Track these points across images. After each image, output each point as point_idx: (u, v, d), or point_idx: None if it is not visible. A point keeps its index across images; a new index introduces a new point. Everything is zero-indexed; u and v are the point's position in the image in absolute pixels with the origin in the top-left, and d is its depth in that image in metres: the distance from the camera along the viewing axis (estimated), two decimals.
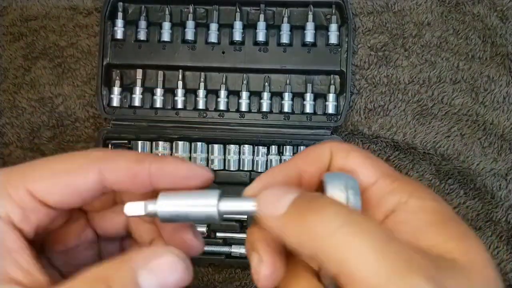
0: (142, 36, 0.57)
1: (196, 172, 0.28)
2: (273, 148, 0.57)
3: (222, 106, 0.57)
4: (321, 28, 0.57)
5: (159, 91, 0.57)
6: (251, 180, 0.57)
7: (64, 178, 0.26)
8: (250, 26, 0.57)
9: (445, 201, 0.26)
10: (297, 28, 0.57)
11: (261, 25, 0.57)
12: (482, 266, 0.23)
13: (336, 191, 0.25)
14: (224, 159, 0.57)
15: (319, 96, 0.57)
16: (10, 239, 0.24)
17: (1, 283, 0.22)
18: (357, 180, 0.26)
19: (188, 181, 0.27)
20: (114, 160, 0.26)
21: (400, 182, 0.26)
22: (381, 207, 0.26)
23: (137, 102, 0.57)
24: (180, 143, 0.57)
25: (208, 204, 0.26)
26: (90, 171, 0.26)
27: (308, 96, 0.57)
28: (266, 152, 0.57)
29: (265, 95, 0.57)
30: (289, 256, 0.26)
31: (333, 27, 0.56)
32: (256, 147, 0.57)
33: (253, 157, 0.57)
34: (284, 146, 0.57)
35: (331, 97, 0.56)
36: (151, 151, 0.57)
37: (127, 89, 0.58)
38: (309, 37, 0.56)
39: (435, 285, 0.20)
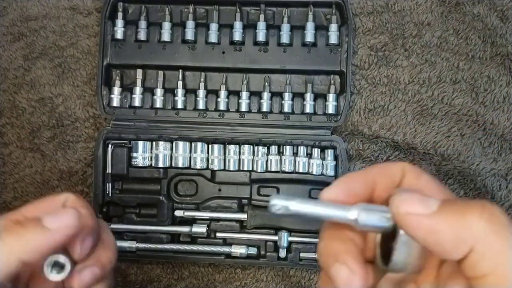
0: (142, 36, 0.57)
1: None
2: (273, 148, 0.57)
3: (222, 106, 0.57)
4: (321, 28, 0.57)
5: (159, 91, 0.57)
6: (251, 180, 0.57)
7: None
8: (250, 26, 0.57)
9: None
10: (297, 28, 0.57)
11: (261, 25, 0.57)
12: None
13: None
14: (224, 159, 0.57)
15: (319, 96, 0.57)
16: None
17: None
18: None
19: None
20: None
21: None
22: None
23: (137, 102, 0.57)
24: (180, 143, 0.57)
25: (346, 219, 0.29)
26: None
27: (308, 96, 0.57)
28: (266, 152, 0.57)
29: (265, 95, 0.57)
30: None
31: (333, 27, 0.56)
32: (256, 147, 0.57)
33: (253, 157, 0.57)
34: (284, 146, 0.57)
35: (331, 97, 0.56)
36: (151, 151, 0.57)
37: (127, 89, 0.58)
38: (309, 37, 0.56)
39: None
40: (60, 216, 0.32)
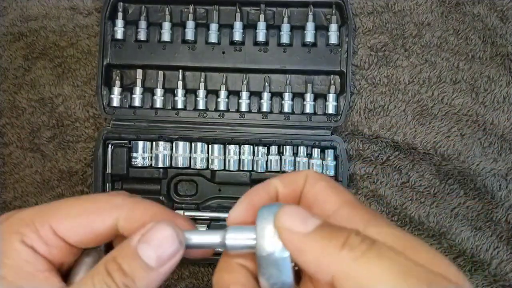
0: (142, 36, 0.57)
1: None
2: (273, 149, 0.57)
3: (222, 106, 0.57)
4: (321, 28, 0.57)
5: (159, 91, 0.57)
6: (251, 180, 0.57)
7: (85, 221, 0.28)
8: (250, 26, 0.57)
9: (399, 228, 0.27)
10: (297, 28, 0.57)
11: (261, 25, 0.57)
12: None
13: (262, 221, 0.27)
14: (224, 159, 0.57)
15: (319, 96, 0.57)
16: (39, 263, 0.27)
17: None
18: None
19: None
20: (131, 210, 0.29)
21: (358, 211, 0.28)
22: None
23: (137, 102, 0.57)
24: (180, 143, 0.57)
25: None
26: (108, 217, 0.28)
27: (308, 96, 0.57)
28: (266, 152, 0.57)
29: (265, 95, 0.57)
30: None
31: (333, 27, 0.56)
32: (256, 147, 0.57)
33: (253, 158, 0.57)
34: (284, 147, 0.57)
35: (331, 97, 0.56)
36: (151, 151, 0.57)
37: (127, 89, 0.58)
38: (309, 37, 0.56)
39: None
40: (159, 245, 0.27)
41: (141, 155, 0.57)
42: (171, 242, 0.27)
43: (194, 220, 0.57)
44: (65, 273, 0.29)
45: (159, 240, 0.27)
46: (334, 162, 0.56)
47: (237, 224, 0.30)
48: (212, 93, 0.58)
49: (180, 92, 0.57)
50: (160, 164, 0.57)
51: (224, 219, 0.57)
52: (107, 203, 0.29)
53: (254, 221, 0.28)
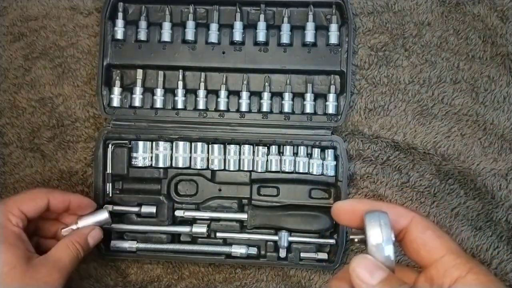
0: (142, 36, 0.57)
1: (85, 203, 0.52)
2: (273, 148, 0.57)
3: (222, 106, 0.57)
4: (321, 28, 0.57)
5: (159, 91, 0.57)
6: (251, 180, 0.57)
7: (32, 204, 0.48)
8: (250, 26, 0.57)
9: (496, 278, 0.33)
10: (297, 28, 0.57)
11: (261, 25, 0.57)
12: None
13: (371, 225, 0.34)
14: (224, 159, 0.57)
15: (319, 96, 0.57)
16: (11, 225, 0.46)
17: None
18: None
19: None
20: (53, 195, 0.50)
21: (462, 259, 0.33)
22: (446, 278, 0.33)
23: (137, 102, 0.57)
24: (180, 143, 0.57)
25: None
26: (45, 200, 0.49)
27: (309, 96, 0.57)
28: (266, 152, 0.57)
29: (265, 95, 0.57)
30: None
31: (333, 27, 0.56)
32: (256, 147, 0.57)
33: (253, 157, 0.57)
34: (284, 146, 0.57)
35: (331, 97, 0.56)
36: (151, 151, 0.57)
37: (127, 89, 0.58)
38: (309, 37, 0.56)
39: None
40: None
41: (142, 155, 0.57)
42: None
43: (194, 220, 0.57)
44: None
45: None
46: (334, 162, 0.56)
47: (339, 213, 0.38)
48: (212, 93, 0.58)
49: (180, 92, 0.57)
50: (161, 164, 0.57)
51: (224, 219, 0.57)
52: (41, 193, 0.49)
53: (352, 215, 0.36)
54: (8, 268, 0.42)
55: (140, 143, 0.57)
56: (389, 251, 0.34)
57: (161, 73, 0.58)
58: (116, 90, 0.57)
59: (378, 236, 0.34)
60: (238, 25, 0.57)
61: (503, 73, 0.57)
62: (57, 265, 0.46)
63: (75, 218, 0.52)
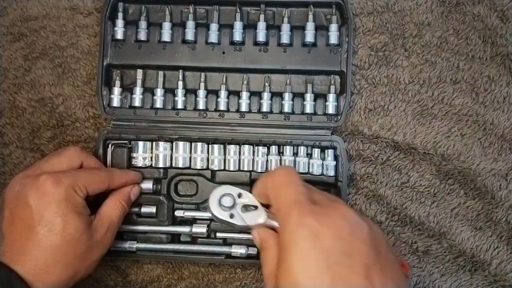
0: (142, 36, 0.57)
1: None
2: (273, 149, 0.57)
3: (222, 106, 0.57)
4: (321, 28, 0.57)
5: (159, 91, 0.57)
6: (251, 180, 0.57)
7: (97, 187, 0.51)
8: (250, 26, 0.57)
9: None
10: (297, 28, 0.57)
11: (261, 25, 0.57)
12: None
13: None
14: (224, 159, 0.57)
15: (319, 96, 0.57)
16: (78, 196, 0.48)
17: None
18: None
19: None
20: (112, 179, 0.53)
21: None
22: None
23: (137, 102, 0.57)
24: (180, 143, 0.57)
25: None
26: (106, 183, 0.52)
27: (308, 96, 0.57)
28: (266, 152, 0.57)
29: (265, 95, 0.57)
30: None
31: (333, 27, 0.56)
32: (256, 147, 0.57)
33: (253, 158, 0.57)
34: (284, 147, 0.57)
35: (331, 97, 0.56)
36: (151, 151, 0.57)
37: (127, 89, 0.58)
38: (309, 37, 0.56)
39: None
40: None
41: (142, 155, 0.57)
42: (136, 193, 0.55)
43: (194, 219, 0.57)
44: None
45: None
46: (334, 162, 0.56)
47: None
48: (212, 93, 0.58)
49: (180, 92, 0.57)
50: (161, 164, 0.57)
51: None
52: (106, 177, 0.52)
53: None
54: (79, 234, 0.46)
55: (140, 143, 0.57)
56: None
57: (161, 73, 0.58)
58: (116, 90, 0.57)
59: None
60: (238, 25, 0.57)
61: (503, 73, 0.57)
62: (110, 224, 0.50)
63: None
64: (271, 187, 0.43)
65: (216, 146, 0.57)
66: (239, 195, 0.46)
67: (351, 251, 0.36)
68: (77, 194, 0.48)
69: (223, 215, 0.45)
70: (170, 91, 0.58)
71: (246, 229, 0.46)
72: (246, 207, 0.45)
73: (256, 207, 0.45)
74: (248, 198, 0.46)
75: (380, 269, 0.37)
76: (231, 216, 0.45)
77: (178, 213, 0.57)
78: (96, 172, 0.51)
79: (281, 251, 0.39)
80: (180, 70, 0.58)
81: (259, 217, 0.44)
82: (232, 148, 0.57)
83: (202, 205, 0.58)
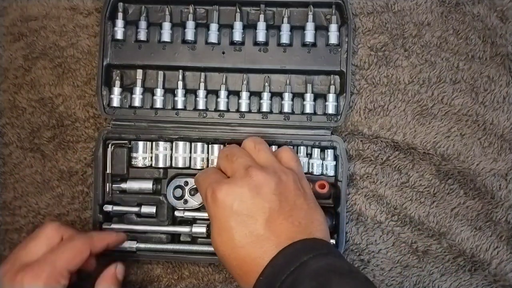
0: (142, 36, 0.57)
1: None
2: (273, 148, 0.57)
3: (222, 106, 0.57)
4: (321, 28, 0.57)
5: (159, 91, 0.57)
6: None
7: (78, 261, 0.49)
8: (250, 26, 0.57)
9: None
10: (297, 29, 0.57)
11: (261, 25, 0.57)
12: None
13: None
14: None
15: (319, 96, 0.57)
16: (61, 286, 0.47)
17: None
18: None
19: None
20: (94, 243, 0.51)
21: None
22: None
23: (137, 102, 0.57)
24: (180, 143, 0.57)
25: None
26: (87, 252, 0.50)
27: (308, 96, 0.57)
28: None
29: (265, 95, 0.57)
30: None
31: (333, 27, 0.56)
32: None
33: None
34: None
35: (331, 97, 0.56)
36: (151, 151, 0.57)
37: (127, 89, 0.58)
38: (309, 37, 0.56)
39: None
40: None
41: (141, 155, 0.57)
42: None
43: (194, 220, 0.57)
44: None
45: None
46: (334, 162, 0.56)
47: None
48: (212, 93, 0.58)
49: (180, 92, 0.57)
50: (160, 164, 0.57)
51: None
52: (85, 245, 0.50)
53: None
54: None
55: (140, 143, 0.57)
56: None
57: (161, 73, 0.58)
58: (116, 90, 0.57)
59: None
60: (238, 25, 0.57)
61: (502, 73, 0.57)
62: None
63: None
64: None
65: (216, 146, 0.57)
66: (186, 183, 0.56)
67: (252, 211, 0.44)
68: (58, 282, 0.46)
69: (179, 204, 0.56)
70: (170, 91, 0.58)
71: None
72: (193, 191, 0.56)
73: None
74: (193, 182, 0.55)
75: (285, 215, 0.44)
76: (185, 202, 0.56)
77: (178, 213, 0.57)
78: (75, 244, 0.49)
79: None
80: (180, 70, 0.58)
81: None
82: None
83: (201, 206, 0.58)
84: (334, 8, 0.57)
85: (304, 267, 0.40)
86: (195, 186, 0.55)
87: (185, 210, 0.57)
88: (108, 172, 0.57)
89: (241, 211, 0.44)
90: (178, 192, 0.56)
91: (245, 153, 0.49)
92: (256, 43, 0.57)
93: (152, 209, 0.57)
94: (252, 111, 0.57)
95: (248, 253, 0.43)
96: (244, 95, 0.57)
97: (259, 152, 0.49)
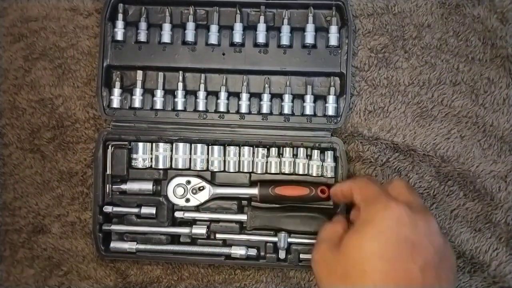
0: (142, 37, 0.57)
1: None
2: (273, 150, 0.57)
3: (222, 108, 0.57)
4: (321, 30, 0.57)
5: (159, 93, 0.57)
6: (250, 181, 0.57)
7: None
8: (250, 27, 0.57)
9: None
10: (297, 30, 0.57)
11: (261, 26, 0.57)
12: None
13: None
14: (224, 161, 0.57)
15: (319, 98, 0.57)
16: None
17: None
18: None
19: None
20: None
21: None
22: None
23: (137, 104, 0.57)
24: (180, 144, 0.57)
25: None
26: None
27: (308, 98, 0.57)
28: (266, 153, 0.57)
29: (265, 97, 0.57)
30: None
31: (333, 29, 0.56)
32: (256, 148, 0.57)
33: (252, 159, 0.57)
34: (284, 148, 0.57)
35: (331, 98, 0.56)
36: (151, 153, 0.57)
37: (127, 91, 0.58)
38: (309, 39, 0.56)
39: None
40: None
41: (141, 156, 0.57)
42: None
43: (194, 221, 0.57)
44: None
45: None
46: (334, 164, 0.56)
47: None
48: (212, 94, 0.58)
49: (180, 93, 0.57)
50: (160, 165, 0.57)
51: (224, 220, 0.57)
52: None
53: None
54: None
55: (140, 144, 0.57)
56: None
57: (161, 74, 0.58)
58: (116, 91, 0.57)
59: None
60: (238, 27, 0.57)
61: (502, 75, 0.57)
62: None
63: None
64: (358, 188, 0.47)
65: (216, 148, 0.57)
66: (188, 182, 0.56)
67: (417, 244, 0.40)
68: None
69: (181, 202, 0.57)
70: (170, 92, 0.58)
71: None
72: (195, 190, 0.56)
73: (203, 187, 0.56)
74: (195, 181, 0.56)
75: (436, 271, 0.40)
76: (187, 200, 0.57)
77: (178, 214, 0.57)
78: None
79: (360, 221, 0.42)
80: (180, 71, 0.58)
81: (207, 194, 0.56)
82: (232, 150, 0.57)
83: (201, 207, 0.58)
84: (334, 9, 0.57)
85: None
86: (197, 185, 0.56)
87: (185, 211, 0.57)
88: (108, 173, 0.57)
89: (406, 238, 0.41)
90: (180, 190, 0.56)
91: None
92: (256, 45, 0.57)
93: (152, 210, 0.57)
94: (252, 112, 0.57)
95: None
96: (244, 96, 0.57)
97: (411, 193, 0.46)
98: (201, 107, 0.57)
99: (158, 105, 0.57)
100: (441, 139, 0.57)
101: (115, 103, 0.57)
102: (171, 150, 0.57)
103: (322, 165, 0.56)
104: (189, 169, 0.57)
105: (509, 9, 0.57)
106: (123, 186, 0.57)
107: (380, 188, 0.45)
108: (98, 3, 0.60)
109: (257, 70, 0.57)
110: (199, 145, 0.57)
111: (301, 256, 0.56)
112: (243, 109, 0.57)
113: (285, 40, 0.57)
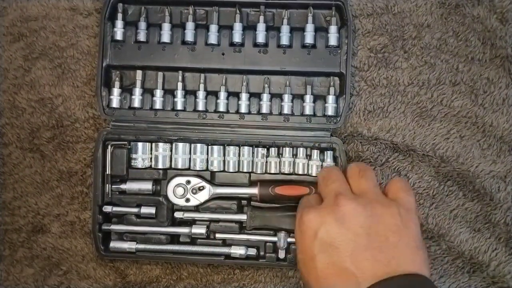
0: (142, 37, 0.57)
1: None
2: (273, 150, 0.57)
3: (221, 108, 0.57)
4: (321, 30, 0.57)
5: (158, 92, 0.57)
6: (250, 181, 0.57)
7: None
8: (250, 27, 0.57)
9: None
10: (297, 30, 0.57)
11: (261, 26, 0.57)
12: None
13: None
14: (224, 161, 0.57)
15: (319, 98, 0.57)
16: None
17: None
18: None
19: None
20: None
21: None
22: None
23: (136, 103, 0.57)
24: (180, 144, 0.57)
25: None
26: None
27: (308, 98, 0.57)
28: (265, 153, 0.57)
29: (265, 97, 0.57)
30: None
31: (333, 29, 0.56)
32: (255, 148, 0.57)
33: (252, 159, 0.57)
34: (284, 148, 0.57)
35: (330, 98, 0.56)
36: (151, 152, 0.57)
37: (126, 90, 0.58)
38: (309, 38, 0.56)
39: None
40: None
41: (141, 156, 0.57)
42: None
43: (194, 220, 0.57)
44: None
45: None
46: (333, 164, 0.56)
47: None
48: (212, 94, 0.58)
49: (179, 93, 0.57)
50: (160, 165, 0.57)
51: (223, 220, 0.57)
52: None
53: None
54: None
55: (140, 144, 0.57)
56: None
57: (160, 74, 0.58)
58: (116, 91, 0.57)
59: None
60: (237, 27, 0.57)
61: (502, 75, 0.57)
62: None
63: None
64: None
65: (215, 148, 0.57)
66: (188, 182, 0.56)
67: (336, 241, 0.43)
68: None
69: (181, 202, 0.56)
70: (169, 92, 0.58)
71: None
72: (195, 190, 0.56)
73: (203, 187, 0.56)
74: (195, 181, 0.56)
75: (373, 251, 0.42)
76: (187, 200, 0.57)
77: (178, 214, 0.57)
78: None
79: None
80: (180, 71, 0.58)
81: (207, 194, 0.56)
82: (231, 150, 0.57)
83: (201, 206, 0.58)
84: (334, 9, 0.57)
85: None
86: (197, 185, 0.56)
87: (184, 211, 0.57)
88: (107, 173, 0.57)
89: (324, 239, 0.43)
90: (179, 190, 0.56)
91: (340, 178, 0.48)
92: (256, 45, 0.57)
93: (151, 210, 0.57)
94: (252, 112, 0.57)
95: (330, 287, 0.42)
96: (244, 96, 0.57)
97: (360, 179, 0.48)
98: (200, 107, 0.57)
99: (158, 105, 0.57)
100: (440, 139, 0.57)
101: (115, 103, 0.57)
102: (171, 150, 0.57)
103: (322, 165, 0.56)
104: (188, 169, 0.57)
105: (509, 9, 0.57)
106: (123, 186, 0.57)
107: (339, 184, 0.47)
108: (97, 3, 0.60)
109: (256, 70, 0.57)
110: (198, 145, 0.57)
111: None
112: (243, 109, 0.57)
113: (284, 40, 0.57)
